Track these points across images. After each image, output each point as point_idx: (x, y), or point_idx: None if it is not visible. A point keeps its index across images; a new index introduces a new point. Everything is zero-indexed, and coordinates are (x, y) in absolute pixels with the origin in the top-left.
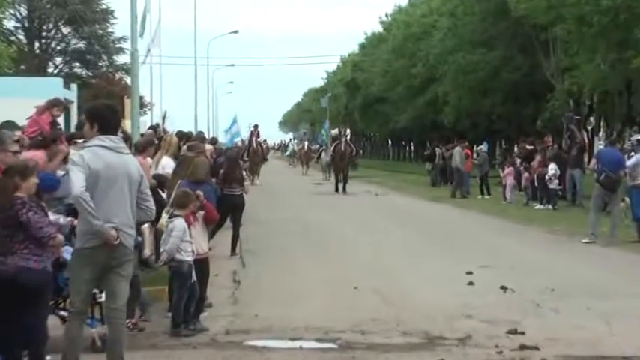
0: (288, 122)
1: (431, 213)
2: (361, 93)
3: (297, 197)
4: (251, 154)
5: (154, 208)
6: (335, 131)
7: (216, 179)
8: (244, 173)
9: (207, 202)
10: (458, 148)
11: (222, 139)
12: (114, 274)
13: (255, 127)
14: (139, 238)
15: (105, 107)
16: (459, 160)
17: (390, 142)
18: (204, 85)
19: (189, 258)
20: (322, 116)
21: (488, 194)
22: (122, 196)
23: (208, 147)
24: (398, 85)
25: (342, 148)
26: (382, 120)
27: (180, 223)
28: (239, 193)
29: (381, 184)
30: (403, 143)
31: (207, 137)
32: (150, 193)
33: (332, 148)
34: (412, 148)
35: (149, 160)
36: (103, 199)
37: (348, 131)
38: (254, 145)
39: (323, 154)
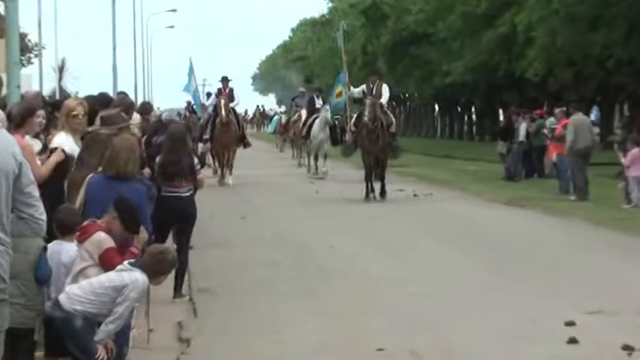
0: (269, 75)
1: (505, 225)
2: (388, 28)
3: (285, 202)
4: (218, 131)
5: (43, 217)
6: (358, 90)
7: (150, 171)
8: (206, 160)
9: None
10: (551, 119)
11: (181, 103)
12: None
13: (225, 81)
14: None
15: None
16: (571, 135)
17: (436, 107)
18: (128, 26)
19: (88, 308)
20: (332, 65)
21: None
22: None
23: (136, 118)
24: (449, 13)
25: (374, 121)
26: (423, 71)
27: (142, 280)
28: (187, 194)
29: (423, 178)
30: (458, 109)
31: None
32: (37, 194)
33: (353, 118)
34: (473, 117)
35: (32, 140)
36: None
37: (386, 89)
38: (223, 114)
39: (317, 126)
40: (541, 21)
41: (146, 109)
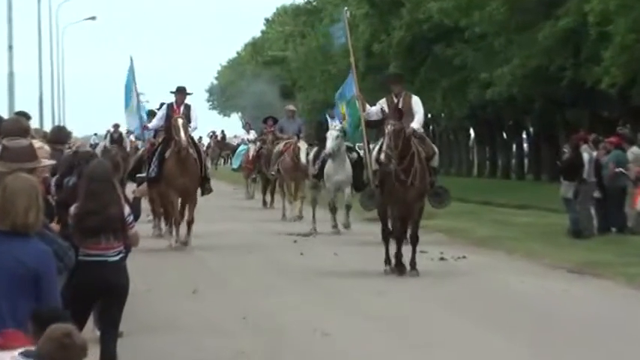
0: (231, 87)
1: (572, 304)
2: (403, 19)
3: (256, 268)
4: (170, 167)
5: None
6: (375, 109)
7: (60, 225)
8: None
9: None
10: (636, 149)
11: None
12: None
13: (181, 94)
14: None
15: None
16: None
17: (471, 132)
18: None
19: None
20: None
21: None
22: None
23: (38, 147)
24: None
25: (402, 157)
26: (452, 82)
27: None
28: (115, 259)
29: (453, 234)
30: (503, 136)
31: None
32: None
33: (376, 148)
34: (524, 147)
35: None
36: None
37: (418, 103)
38: (182, 138)
39: (330, 166)
40: (621, 9)
41: (60, 136)
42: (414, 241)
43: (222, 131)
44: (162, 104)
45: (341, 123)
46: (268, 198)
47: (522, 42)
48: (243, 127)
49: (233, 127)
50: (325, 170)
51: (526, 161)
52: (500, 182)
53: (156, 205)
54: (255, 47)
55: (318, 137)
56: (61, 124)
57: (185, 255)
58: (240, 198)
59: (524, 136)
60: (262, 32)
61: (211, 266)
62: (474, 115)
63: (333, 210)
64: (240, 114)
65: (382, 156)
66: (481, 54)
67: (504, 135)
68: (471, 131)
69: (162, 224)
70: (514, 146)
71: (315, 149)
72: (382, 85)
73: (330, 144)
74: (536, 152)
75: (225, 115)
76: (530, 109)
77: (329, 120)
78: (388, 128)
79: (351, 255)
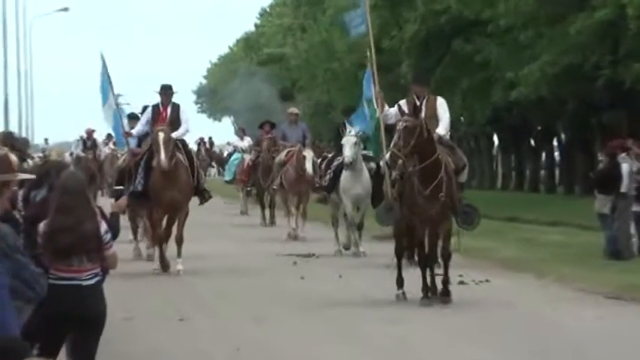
0: (222, 88)
1: (612, 334)
2: (417, 10)
3: (250, 294)
4: (155, 182)
5: None
6: (394, 110)
7: (28, 245)
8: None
9: None
10: None
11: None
12: None
13: (167, 94)
14: None
15: None
16: None
17: (495, 139)
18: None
19: None
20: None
21: None
22: None
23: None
24: None
25: (423, 154)
26: (474, 81)
27: None
28: (91, 282)
29: (475, 254)
30: (531, 143)
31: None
32: None
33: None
34: (555, 155)
35: None
36: None
37: (443, 106)
38: (162, 158)
39: (346, 178)
40: None
41: (18, 144)
42: (447, 259)
43: (210, 138)
44: (145, 107)
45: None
46: (267, 214)
47: (553, 36)
48: (236, 132)
49: (225, 132)
50: (341, 182)
51: (557, 172)
52: (528, 196)
53: (138, 222)
54: (248, 43)
55: (336, 143)
56: (27, 129)
57: (170, 279)
58: (232, 214)
59: (554, 143)
60: (256, 26)
61: (200, 291)
62: (497, 119)
63: (353, 228)
64: (232, 118)
65: (387, 155)
66: (506, 50)
67: (532, 142)
68: (495, 138)
69: (143, 245)
70: (543, 155)
71: (328, 157)
72: (394, 87)
73: (348, 152)
74: (569, 161)
75: (215, 120)
76: (562, 112)
77: (347, 125)
78: (399, 125)
79: (358, 278)
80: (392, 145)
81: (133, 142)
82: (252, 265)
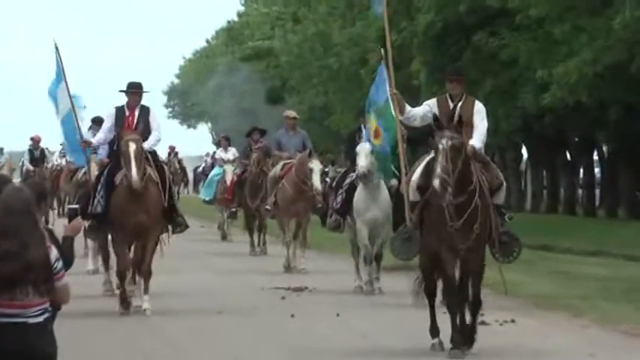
0: (197, 88)
1: None
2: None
3: (231, 334)
4: (120, 200)
5: None
6: (421, 111)
7: None
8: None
9: None
10: None
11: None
12: None
13: (135, 94)
14: None
15: None
16: None
17: (523, 152)
18: None
19: None
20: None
21: None
22: None
23: None
24: None
25: (460, 190)
26: (499, 82)
27: None
28: (38, 320)
29: (500, 288)
30: (567, 156)
31: None
32: None
33: (417, 172)
34: (595, 171)
35: None
36: None
37: (481, 111)
38: (134, 173)
39: (361, 196)
40: None
41: None
42: (475, 308)
43: (174, 148)
44: (95, 119)
45: (371, 142)
46: (255, 239)
47: (593, 30)
48: (215, 142)
49: (201, 141)
50: (354, 202)
51: (597, 191)
52: (563, 219)
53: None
54: (230, 34)
55: (349, 154)
56: None
57: (135, 318)
58: (212, 239)
59: (595, 157)
60: (239, 14)
61: (170, 333)
62: (527, 127)
63: (369, 259)
64: (209, 124)
65: (436, 182)
66: (537, 46)
67: (568, 155)
68: (524, 150)
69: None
70: (581, 170)
71: (339, 172)
72: (404, 88)
73: (363, 161)
74: (612, 178)
75: (189, 127)
76: (604, 119)
77: (363, 131)
78: (443, 143)
79: (359, 318)
80: (439, 169)
81: (103, 152)
82: (232, 300)
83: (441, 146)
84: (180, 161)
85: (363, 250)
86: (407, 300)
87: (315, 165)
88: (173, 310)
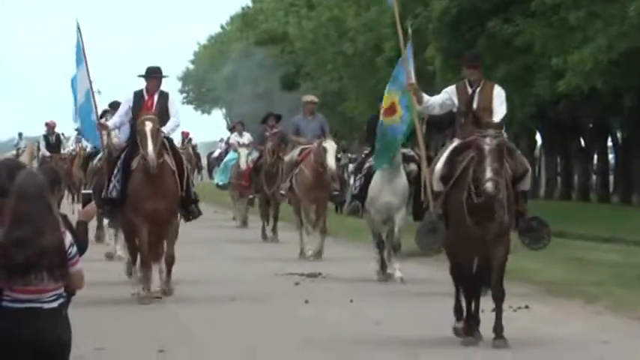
0: (212, 74)
1: None
2: None
3: (244, 322)
4: (137, 186)
5: None
6: (440, 99)
7: None
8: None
9: None
10: None
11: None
12: None
13: (155, 78)
14: None
15: None
16: None
17: (538, 139)
18: None
19: None
20: (337, 55)
21: None
22: None
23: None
24: None
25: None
26: (513, 68)
27: None
28: (53, 306)
29: (514, 274)
30: (581, 143)
31: None
32: None
33: (440, 161)
34: (609, 158)
35: None
36: None
37: (501, 96)
38: (150, 151)
39: (377, 182)
40: None
41: None
42: (499, 298)
43: (187, 134)
44: (113, 104)
45: (380, 121)
46: (270, 227)
47: (608, 16)
48: (229, 128)
49: (215, 127)
50: (369, 190)
51: (611, 177)
52: (577, 206)
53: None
54: (245, 19)
55: (369, 139)
56: None
57: (149, 305)
58: (225, 225)
59: (609, 143)
60: (254, 0)
61: (183, 319)
62: (541, 114)
63: (381, 246)
64: (224, 110)
65: (490, 186)
66: (552, 32)
67: (582, 142)
68: (538, 136)
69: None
70: (595, 157)
71: (352, 158)
72: (418, 75)
73: (381, 160)
74: (626, 165)
75: (204, 112)
76: (618, 106)
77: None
78: (488, 143)
79: (373, 304)
80: (490, 172)
81: (123, 136)
82: (246, 287)
83: (486, 146)
84: (194, 147)
85: (375, 238)
86: (421, 288)
87: (329, 145)
88: (186, 297)
